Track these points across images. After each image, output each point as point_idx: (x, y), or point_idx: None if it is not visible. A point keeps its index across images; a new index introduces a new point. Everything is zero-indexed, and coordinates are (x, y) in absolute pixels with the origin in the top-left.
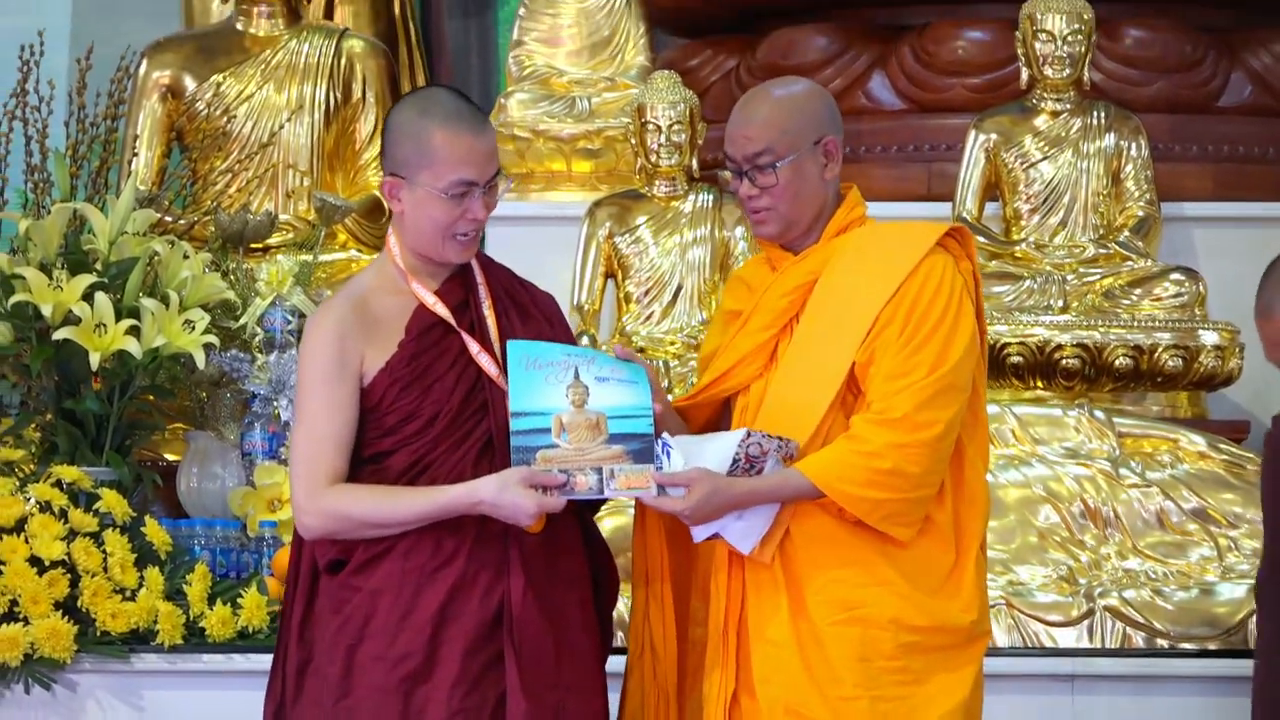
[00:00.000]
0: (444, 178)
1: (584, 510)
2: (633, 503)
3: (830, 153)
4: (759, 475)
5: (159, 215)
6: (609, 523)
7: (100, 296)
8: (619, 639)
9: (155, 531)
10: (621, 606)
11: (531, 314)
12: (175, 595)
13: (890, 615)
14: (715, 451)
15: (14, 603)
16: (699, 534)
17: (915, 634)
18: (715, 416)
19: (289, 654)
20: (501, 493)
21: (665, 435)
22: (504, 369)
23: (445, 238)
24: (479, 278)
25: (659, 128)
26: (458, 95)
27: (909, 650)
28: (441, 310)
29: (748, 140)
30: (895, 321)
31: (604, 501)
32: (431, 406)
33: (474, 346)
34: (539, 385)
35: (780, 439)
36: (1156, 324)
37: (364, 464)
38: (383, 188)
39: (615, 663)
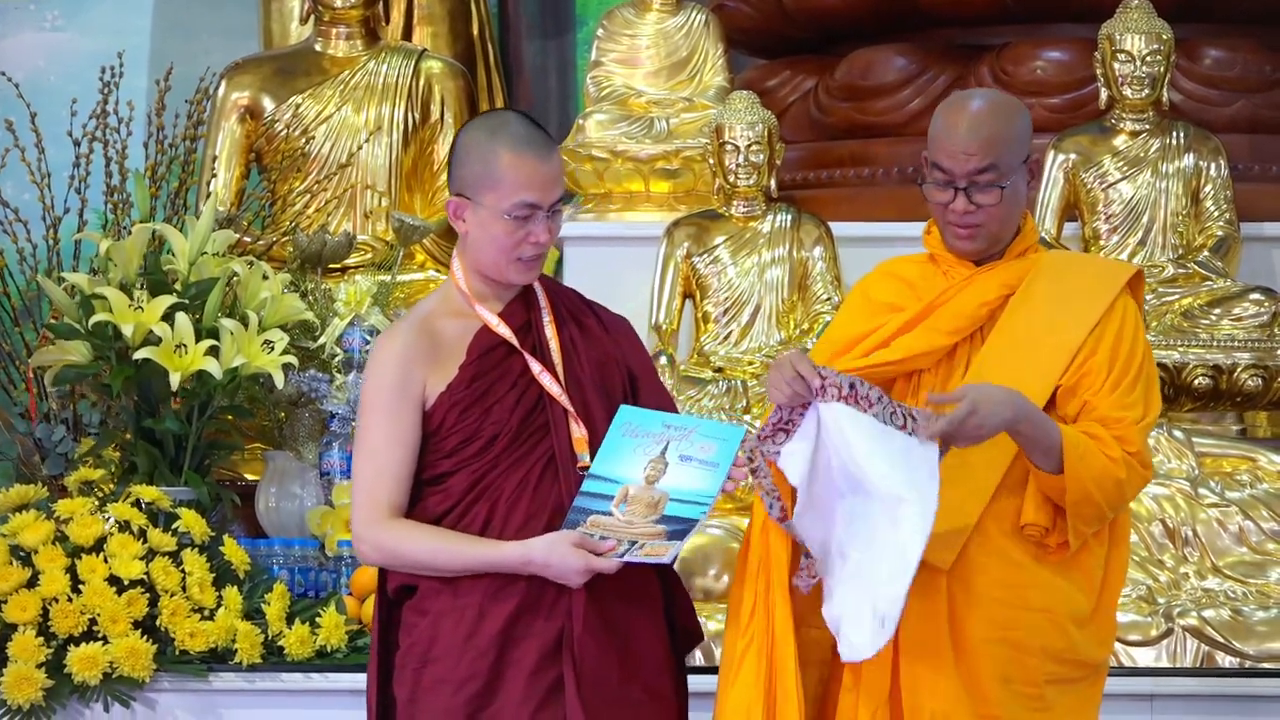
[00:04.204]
0: (507, 199)
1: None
2: (714, 520)
3: (1033, 171)
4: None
5: (238, 236)
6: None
7: (180, 317)
8: (699, 658)
9: (234, 551)
10: (712, 626)
11: (596, 335)
12: (254, 614)
13: (1041, 643)
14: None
15: (93, 622)
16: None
17: (1059, 665)
18: None
19: (371, 682)
20: (549, 552)
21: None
22: (566, 388)
23: (508, 260)
24: (543, 300)
25: (737, 148)
26: (527, 119)
27: (1050, 680)
28: (504, 330)
29: (969, 156)
30: (1100, 352)
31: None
32: (491, 427)
33: (535, 366)
34: (626, 454)
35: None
36: (1236, 344)
37: (426, 485)
38: (448, 207)
39: (701, 682)
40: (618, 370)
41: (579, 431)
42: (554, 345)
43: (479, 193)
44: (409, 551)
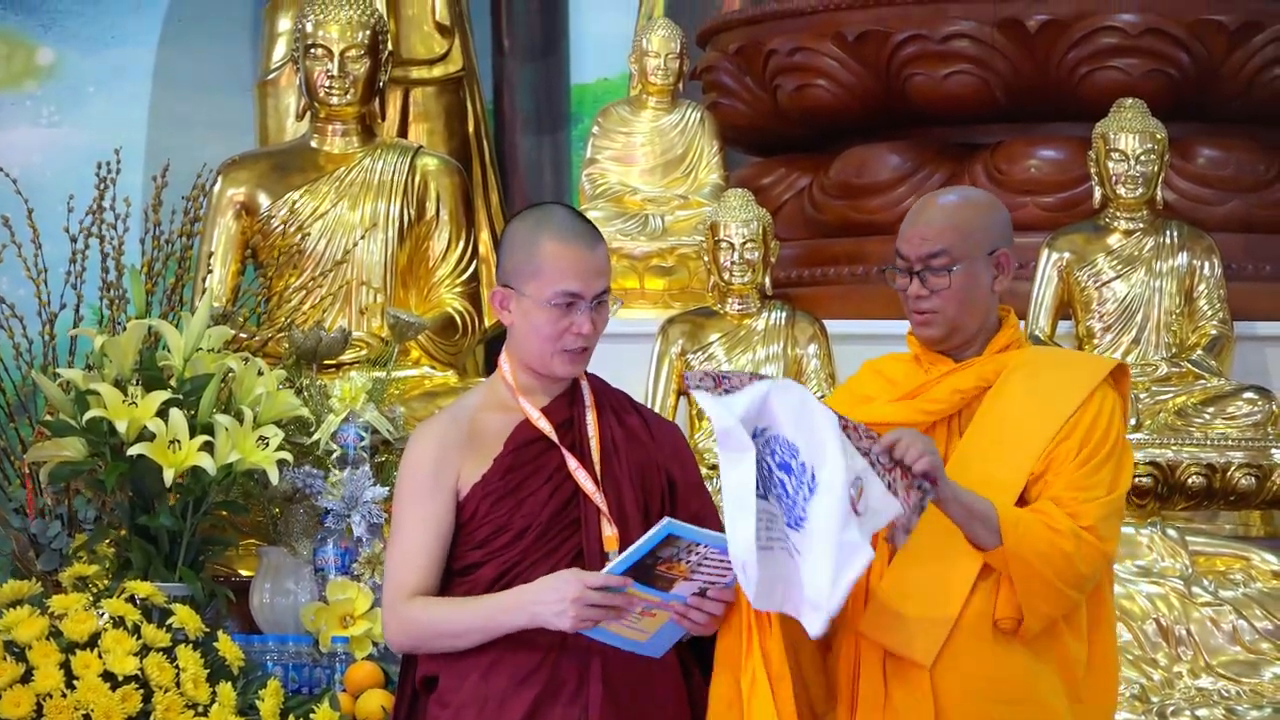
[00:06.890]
0: (548, 288)
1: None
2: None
3: (1002, 265)
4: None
5: (233, 332)
6: None
7: (175, 413)
8: None
9: (228, 647)
10: None
11: (640, 438)
12: (248, 711)
13: None
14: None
15: (87, 717)
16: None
17: None
18: None
19: None
20: (542, 584)
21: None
22: (602, 487)
23: (552, 351)
24: (588, 398)
25: (732, 245)
26: (574, 213)
27: None
28: (544, 425)
29: (923, 240)
30: (1072, 439)
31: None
32: (522, 520)
33: (572, 463)
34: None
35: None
36: (1229, 443)
37: (454, 575)
38: (493, 298)
39: None
40: (658, 475)
41: (609, 530)
42: (594, 444)
43: (522, 282)
44: (424, 617)
